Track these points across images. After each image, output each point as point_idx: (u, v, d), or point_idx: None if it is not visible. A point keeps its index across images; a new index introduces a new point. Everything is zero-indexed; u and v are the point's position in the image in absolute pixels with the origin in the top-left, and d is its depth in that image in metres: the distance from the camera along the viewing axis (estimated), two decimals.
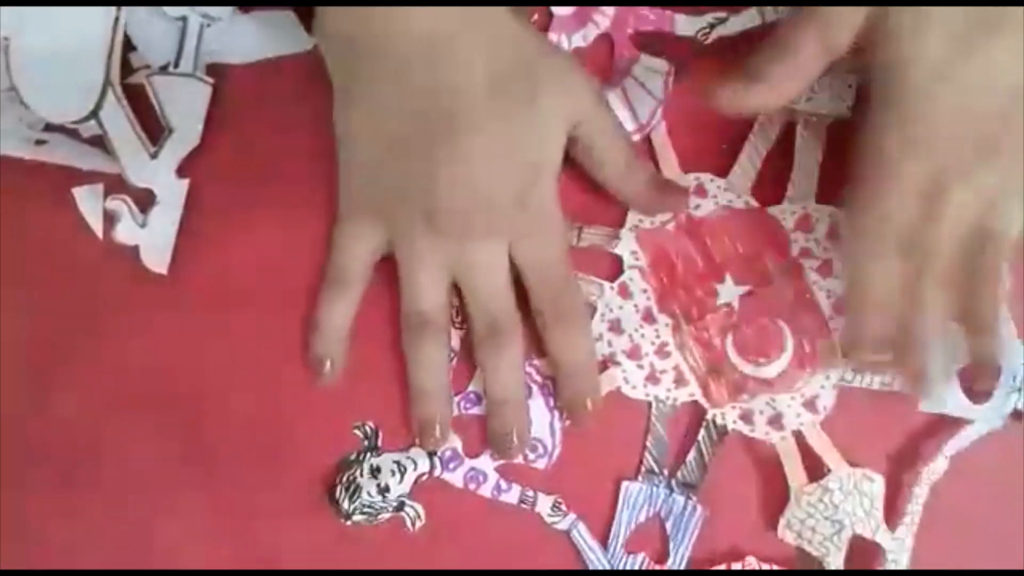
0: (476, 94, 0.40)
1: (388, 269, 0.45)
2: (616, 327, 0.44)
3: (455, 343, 0.45)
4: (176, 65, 0.45)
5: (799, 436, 0.44)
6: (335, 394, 0.45)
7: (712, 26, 0.45)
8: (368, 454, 0.44)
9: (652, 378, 0.44)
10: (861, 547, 0.43)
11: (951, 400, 0.43)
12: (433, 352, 0.44)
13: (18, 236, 0.47)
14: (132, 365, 0.46)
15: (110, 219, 0.46)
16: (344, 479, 0.44)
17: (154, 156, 0.45)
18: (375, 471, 0.44)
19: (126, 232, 0.45)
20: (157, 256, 0.46)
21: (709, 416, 0.44)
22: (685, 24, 0.45)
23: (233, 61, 0.46)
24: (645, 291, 0.44)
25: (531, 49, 0.41)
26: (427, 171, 0.41)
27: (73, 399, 0.46)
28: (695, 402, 0.44)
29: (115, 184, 0.46)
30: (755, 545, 0.44)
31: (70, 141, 0.46)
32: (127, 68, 0.46)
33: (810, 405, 0.44)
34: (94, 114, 0.45)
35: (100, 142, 0.46)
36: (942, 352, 0.42)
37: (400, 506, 0.44)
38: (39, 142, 0.46)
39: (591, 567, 0.44)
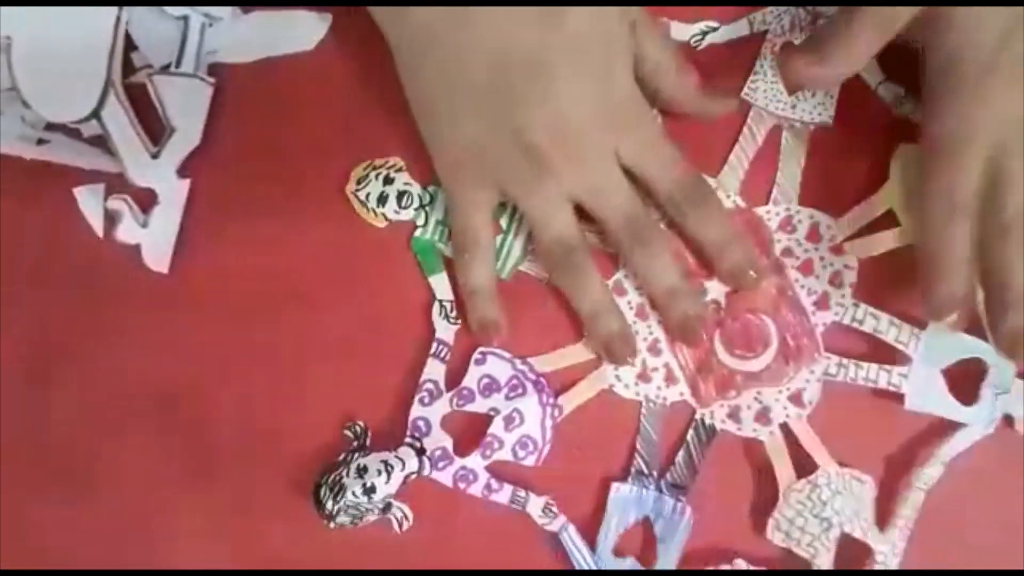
0: (553, 33, 0.41)
1: (387, 271, 0.46)
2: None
3: (449, 337, 0.45)
4: (178, 65, 0.46)
5: (787, 432, 0.45)
6: (335, 394, 0.45)
7: (704, 34, 0.46)
8: (356, 454, 0.44)
9: (643, 376, 0.45)
10: (850, 548, 0.43)
11: (936, 399, 0.44)
12: (587, 273, 0.44)
13: (18, 236, 0.47)
14: (132, 365, 0.46)
15: (111, 219, 0.46)
16: (329, 479, 0.43)
17: (155, 156, 0.46)
18: (361, 471, 0.43)
19: (127, 232, 0.46)
20: (158, 256, 0.46)
21: (698, 416, 0.45)
22: (679, 30, 0.46)
23: (234, 61, 0.47)
24: (639, 288, 0.45)
25: None
26: (520, 115, 0.41)
27: (73, 399, 0.46)
28: (684, 402, 0.45)
29: (116, 183, 0.46)
30: (744, 547, 0.44)
31: (71, 140, 0.46)
32: (128, 68, 0.46)
33: (796, 399, 0.44)
34: (95, 114, 0.45)
35: (101, 142, 0.46)
36: None
37: (387, 507, 0.43)
38: (40, 141, 0.46)
39: (578, 568, 0.44)
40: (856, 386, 0.44)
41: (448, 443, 0.44)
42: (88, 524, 0.46)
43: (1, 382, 0.46)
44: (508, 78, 0.41)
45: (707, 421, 0.45)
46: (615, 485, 0.44)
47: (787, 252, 0.45)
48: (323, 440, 0.45)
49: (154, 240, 0.46)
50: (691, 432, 0.45)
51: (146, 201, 0.46)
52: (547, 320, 0.45)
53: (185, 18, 0.46)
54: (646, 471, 0.45)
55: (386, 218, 0.46)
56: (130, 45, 0.46)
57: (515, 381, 0.45)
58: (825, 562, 0.43)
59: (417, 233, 0.46)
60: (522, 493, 0.44)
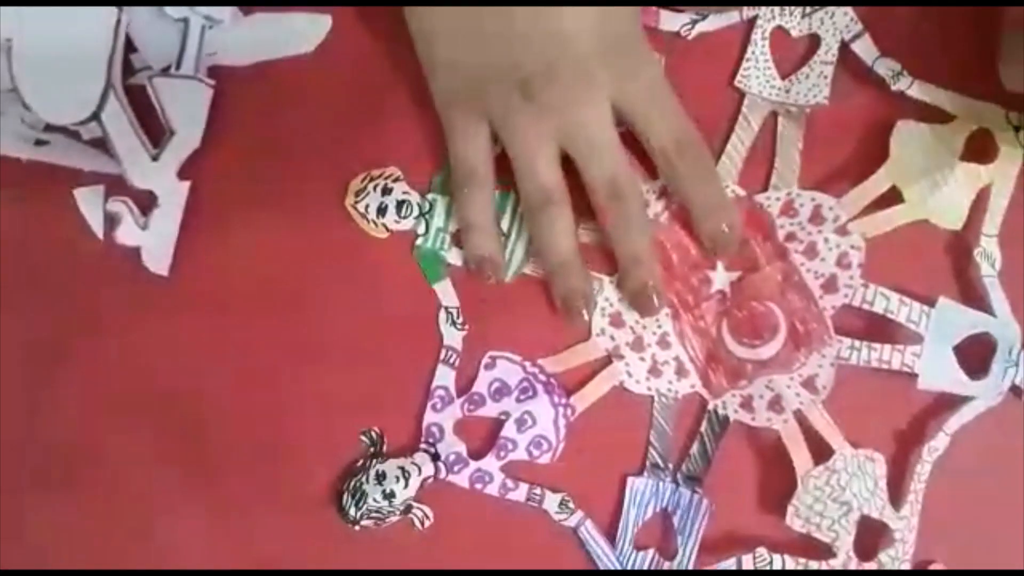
0: None
1: (388, 272, 0.46)
2: (618, 321, 0.45)
3: (457, 343, 0.45)
4: (178, 67, 0.46)
5: (801, 418, 0.44)
6: (335, 395, 0.45)
7: (695, 22, 0.46)
8: (373, 460, 0.44)
9: (654, 370, 0.45)
10: (868, 528, 0.43)
11: (949, 376, 0.44)
12: (560, 225, 0.43)
13: (18, 236, 0.47)
14: (132, 365, 0.46)
15: (111, 221, 0.46)
16: (350, 486, 0.44)
17: (155, 158, 0.46)
18: (380, 477, 0.44)
19: (127, 234, 0.46)
20: (158, 258, 0.46)
21: (711, 407, 0.45)
22: (669, 19, 0.46)
23: (235, 63, 0.47)
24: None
25: None
26: (518, 49, 0.41)
27: (73, 399, 0.46)
28: (696, 394, 0.45)
29: (116, 185, 0.46)
30: (763, 533, 0.44)
31: (71, 142, 0.46)
32: (128, 69, 0.46)
33: (809, 385, 0.44)
34: (95, 116, 0.45)
35: (101, 144, 0.46)
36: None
37: (407, 509, 0.44)
38: (40, 142, 0.46)
39: (599, 564, 0.44)
40: (866, 366, 0.44)
41: (462, 447, 0.45)
42: (88, 524, 0.46)
43: (1, 382, 0.46)
44: (512, 12, 0.41)
45: (720, 412, 0.45)
46: (631, 479, 0.44)
47: (790, 237, 0.45)
48: (323, 440, 0.45)
49: (154, 242, 0.46)
50: (705, 423, 0.45)
51: (146, 203, 0.46)
52: (555, 320, 0.45)
53: (185, 20, 0.46)
54: (661, 464, 0.45)
55: (387, 228, 0.46)
56: (130, 47, 0.46)
57: (525, 384, 0.45)
58: (845, 544, 0.43)
59: (419, 242, 0.46)
60: (538, 490, 0.44)
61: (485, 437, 0.45)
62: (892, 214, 0.44)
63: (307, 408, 0.46)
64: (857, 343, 0.44)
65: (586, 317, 0.44)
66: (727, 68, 0.46)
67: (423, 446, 0.45)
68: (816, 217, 0.45)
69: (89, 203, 0.46)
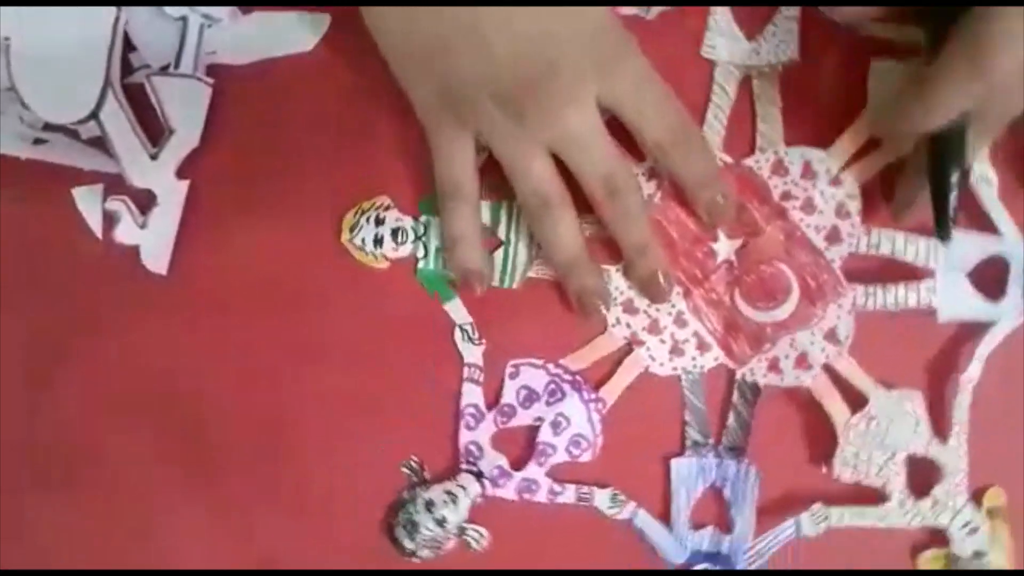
0: None
1: (388, 272, 0.45)
2: (630, 307, 0.45)
3: (478, 359, 0.45)
4: (176, 66, 0.46)
5: (830, 371, 0.44)
6: (335, 394, 0.45)
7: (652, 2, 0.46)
8: (418, 489, 0.44)
9: (676, 350, 0.44)
10: (918, 466, 0.43)
11: (968, 304, 0.44)
12: (563, 225, 0.43)
13: (18, 236, 0.47)
14: (132, 365, 0.46)
15: (110, 219, 0.46)
16: (400, 519, 0.44)
17: (154, 157, 0.45)
18: (429, 505, 0.44)
19: (126, 233, 0.45)
20: (157, 257, 0.46)
21: (739, 376, 0.44)
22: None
23: (233, 62, 0.47)
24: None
25: None
26: (479, 49, 0.40)
27: (73, 399, 0.46)
28: (722, 365, 0.45)
29: (115, 184, 0.46)
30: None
31: (70, 141, 0.46)
32: (127, 68, 0.46)
33: (831, 337, 0.44)
34: (94, 115, 0.45)
35: (100, 143, 0.46)
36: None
37: (461, 531, 0.44)
38: (38, 141, 0.46)
39: (660, 552, 0.44)
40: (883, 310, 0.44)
41: (503, 460, 0.45)
42: (88, 524, 0.46)
43: (1, 382, 0.46)
44: (477, 17, 0.40)
45: (749, 379, 0.44)
46: (674, 462, 0.44)
47: (786, 195, 0.45)
48: (323, 440, 0.45)
49: (153, 241, 0.45)
50: (736, 393, 0.44)
51: (145, 202, 0.46)
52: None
53: (184, 19, 0.46)
54: (701, 440, 0.44)
55: (386, 258, 0.46)
56: (128, 46, 0.46)
57: (552, 386, 0.45)
58: (898, 485, 0.43)
59: (420, 265, 0.46)
60: (586, 490, 0.44)
61: (524, 446, 0.45)
62: (881, 154, 0.45)
63: (307, 408, 0.45)
64: (871, 288, 0.44)
65: (604, 312, 0.44)
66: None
67: (464, 466, 0.45)
68: (808, 172, 0.45)
69: (88, 202, 0.46)
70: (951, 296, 0.43)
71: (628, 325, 0.45)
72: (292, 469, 0.45)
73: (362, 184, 0.46)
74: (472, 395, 0.45)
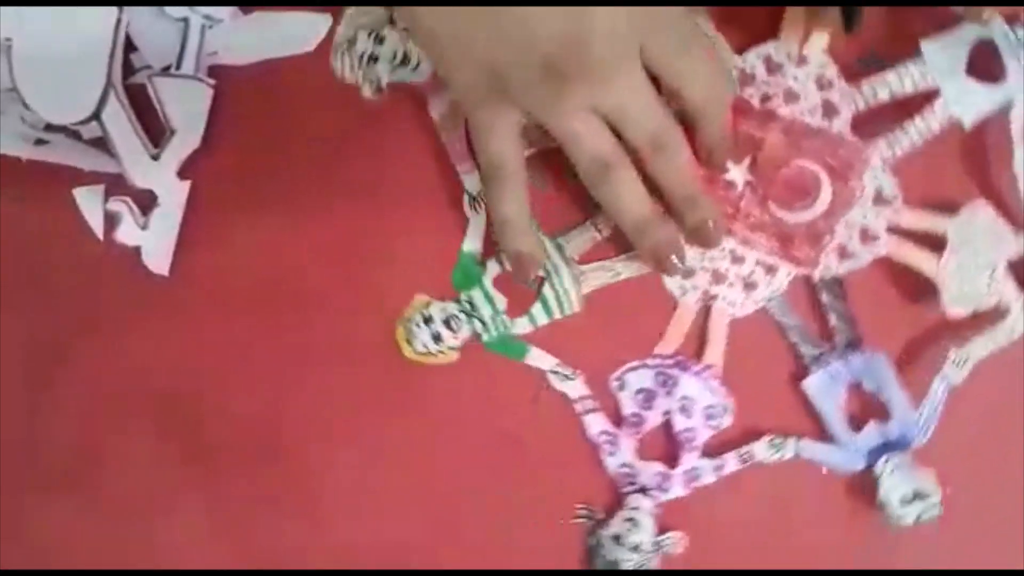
0: None
1: (389, 272, 0.45)
2: (687, 272, 0.44)
3: (583, 390, 0.45)
4: (178, 66, 0.46)
5: (897, 230, 0.43)
6: (335, 394, 0.45)
7: None
8: (599, 531, 0.44)
9: (748, 286, 0.44)
10: (1021, 268, 0.43)
11: (981, 97, 0.42)
12: (625, 185, 0.42)
13: (19, 236, 0.47)
14: (132, 365, 0.46)
15: (111, 220, 0.45)
16: (598, 563, 0.44)
17: (156, 157, 0.45)
18: (618, 539, 0.44)
19: (127, 233, 0.45)
20: (158, 257, 0.45)
21: (816, 278, 0.44)
22: None
23: (235, 62, 0.46)
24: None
25: None
26: (523, 19, 0.39)
27: (73, 399, 0.46)
28: (796, 278, 0.44)
29: (116, 185, 0.45)
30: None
31: (71, 141, 0.46)
32: (128, 69, 0.46)
33: (879, 200, 0.43)
34: (96, 115, 0.45)
35: (101, 144, 0.45)
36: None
37: (658, 546, 0.44)
38: (40, 141, 0.46)
39: (838, 469, 0.44)
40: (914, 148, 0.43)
41: (657, 465, 0.44)
42: (88, 524, 0.46)
43: (1, 382, 0.46)
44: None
45: (827, 276, 0.44)
46: (804, 383, 0.44)
47: (765, 98, 0.45)
48: (323, 440, 0.45)
49: (154, 242, 0.45)
50: (824, 294, 0.44)
51: (146, 203, 0.45)
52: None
53: (185, 19, 0.46)
54: (817, 352, 0.44)
55: (452, 349, 0.45)
56: (130, 46, 0.46)
57: (662, 377, 0.45)
58: (1012, 294, 0.42)
59: (485, 339, 0.45)
60: (744, 450, 0.44)
61: (666, 442, 0.45)
62: (829, 12, 0.43)
63: (307, 408, 0.45)
64: (891, 136, 0.43)
65: (680, 265, 0.43)
66: None
67: (627, 489, 0.44)
68: (771, 67, 0.45)
69: (89, 202, 0.46)
70: (964, 100, 0.42)
71: (694, 287, 0.44)
72: (292, 469, 0.45)
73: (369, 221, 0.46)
74: (596, 423, 0.45)
